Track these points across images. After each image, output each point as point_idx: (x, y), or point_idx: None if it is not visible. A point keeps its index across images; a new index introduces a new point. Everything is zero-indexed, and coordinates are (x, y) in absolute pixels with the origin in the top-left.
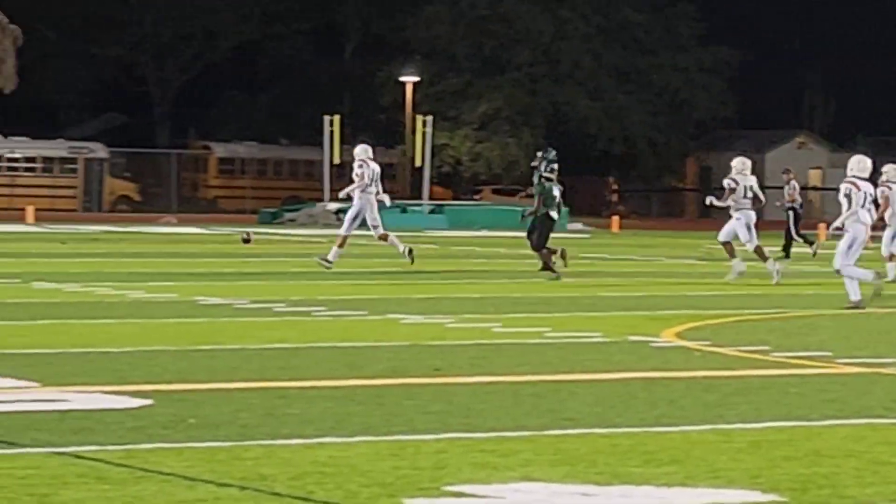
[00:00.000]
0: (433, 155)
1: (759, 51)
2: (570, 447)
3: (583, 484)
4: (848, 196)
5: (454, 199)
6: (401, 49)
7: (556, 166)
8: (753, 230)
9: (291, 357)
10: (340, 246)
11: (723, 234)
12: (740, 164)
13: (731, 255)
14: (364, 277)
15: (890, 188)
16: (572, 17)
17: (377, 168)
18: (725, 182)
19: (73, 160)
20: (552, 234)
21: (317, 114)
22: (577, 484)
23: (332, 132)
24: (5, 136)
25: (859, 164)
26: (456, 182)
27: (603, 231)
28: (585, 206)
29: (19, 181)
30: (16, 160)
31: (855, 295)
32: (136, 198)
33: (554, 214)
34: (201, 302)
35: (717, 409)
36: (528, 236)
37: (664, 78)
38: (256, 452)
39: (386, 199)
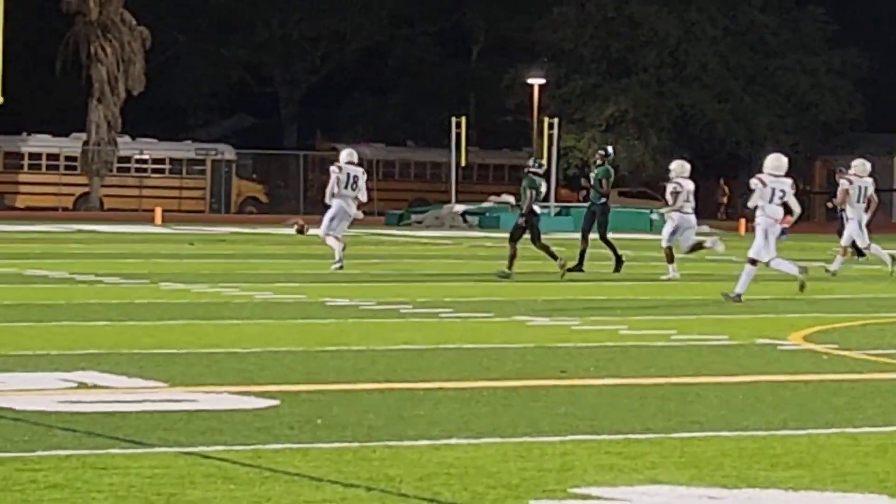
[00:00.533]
0: (559, 157)
1: (888, 53)
2: (697, 450)
3: (709, 487)
4: (754, 190)
5: (581, 201)
6: (527, 51)
7: (543, 162)
8: (676, 233)
9: (418, 358)
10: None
11: (684, 245)
12: (679, 167)
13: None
14: (491, 279)
15: (851, 182)
16: (699, 19)
17: (355, 172)
18: (672, 186)
19: (200, 162)
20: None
21: (443, 115)
22: (703, 487)
23: (458, 134)
24: (133, 137)
25: (773, 162)
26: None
27: (730, 234)
28: (711, 208)
29: (147, 182)
30: (144, 162)
31: (742, 288)
32: (264, 199)
33: (537, 209)
34: (328, 303)
35: (844, 413)
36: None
37: (791, 80)
38: (383, 453)
39: (358, 214)
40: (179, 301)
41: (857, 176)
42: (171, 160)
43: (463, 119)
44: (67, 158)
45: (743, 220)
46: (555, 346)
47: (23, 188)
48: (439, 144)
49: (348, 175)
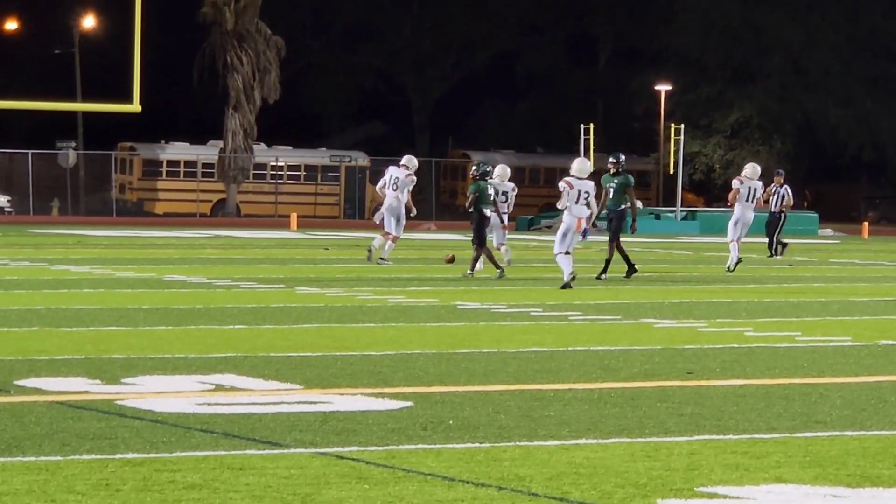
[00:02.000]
0: (685, 163)
1: None
2: (821, 449)
3: (833, 486)
4: (564, 192)
5: (706, 205)
6: (654, 58)
7: (488, 168)
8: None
9: (548, 360)
10: (393, 241)
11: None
12: (500, 170)
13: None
14: (619, 283)
15: (742, 182)
16: (822, 26)
17: (398, 174)
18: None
19: (335, 168)
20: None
21: (572, 122)
22: (827, 486)
23: (586, 140)
24: (269, 145)
25: (579, 165)
26: (708, 189)
27: (853, 237)
28: (835, 212)
29: (283, 189)
30: (280, 168)
31: (567, 275)
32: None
33: (487, 211)
34: (460, 306)
35: None
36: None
37: None
38: (514, 453)
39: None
40: (314, 305)
41: (748, 178)
42: (306, 167)
43: (591, 125)
44: (205, 165)
45: (866, 224)
46: (681, 347)
47: (161, 195)
48: (568, 151)
49: (391, 176)
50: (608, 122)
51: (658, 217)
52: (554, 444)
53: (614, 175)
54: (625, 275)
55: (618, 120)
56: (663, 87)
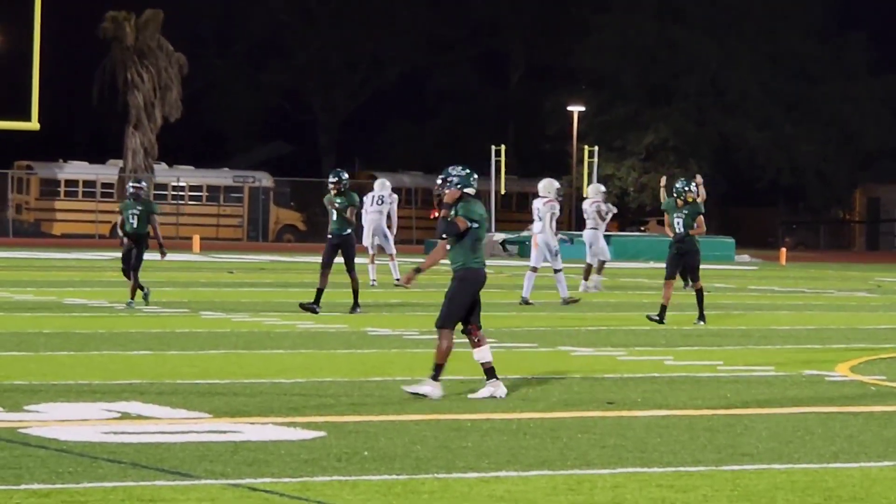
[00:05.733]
0: None
1: None
2: (749, 483)
3: None
4: None
5: (620, 230)
6: (567, 78)
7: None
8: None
9: (463, 389)
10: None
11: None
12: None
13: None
14: (533, 309)
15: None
16: (739, 46)
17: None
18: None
19: (238, 189)
20: None
21: (483, 143)
22: None
23: (498, 161)
24: (170, 164)
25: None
26: (622, 213)
27: (771, 263)
28: (752, 237)
29: (185, 210)
30: (181, 189)
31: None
32: (301, 227)
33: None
34: (371, 332)
35: None
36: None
37: (833, 108)
38: (432, 486)
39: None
40: (220, 330)
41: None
42: (209, 187)
43: (502, 146)
44: (104, 185)
45: (783, 250)
46: (601, 376)
47: (59, 215)
48: (479, 172)
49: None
50: (520, 142)
51: (571, 241)
52: (473, 477)
53: (337, 195)
54: (311, 303)
55: (530, 141)
56: (576, 108)
